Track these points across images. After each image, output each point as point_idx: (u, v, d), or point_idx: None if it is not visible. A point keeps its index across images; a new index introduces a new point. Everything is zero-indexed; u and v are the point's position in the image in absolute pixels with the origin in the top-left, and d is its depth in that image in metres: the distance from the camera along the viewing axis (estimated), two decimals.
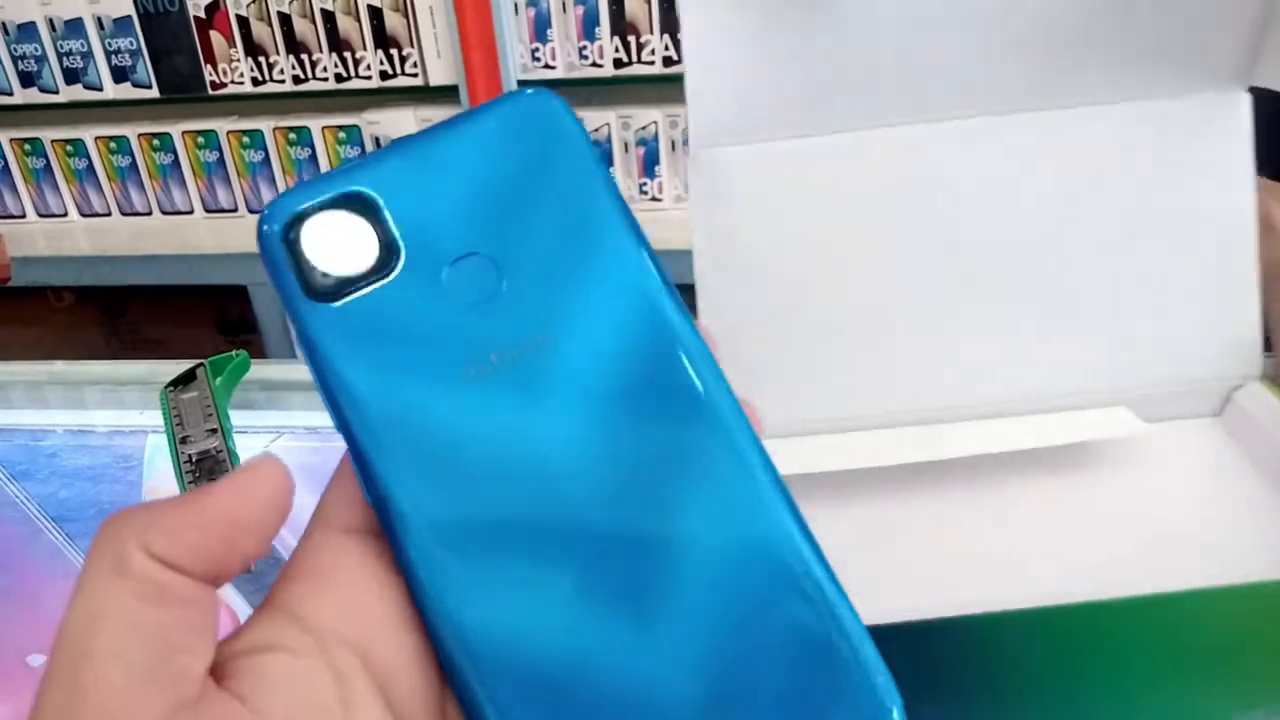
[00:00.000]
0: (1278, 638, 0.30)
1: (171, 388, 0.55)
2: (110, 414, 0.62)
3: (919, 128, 0.37)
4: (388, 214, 0.21)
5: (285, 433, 0.60)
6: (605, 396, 0.20)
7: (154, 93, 1.73)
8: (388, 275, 0.21)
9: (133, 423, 0.61)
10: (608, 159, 1.62)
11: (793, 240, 0.37)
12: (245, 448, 0.55)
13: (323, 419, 0.62)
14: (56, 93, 1.76)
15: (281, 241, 0.20)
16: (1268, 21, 0.35)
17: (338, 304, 0.20)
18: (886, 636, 0.26)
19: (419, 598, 0.20)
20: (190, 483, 0.49)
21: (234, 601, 0.61)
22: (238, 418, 0.57)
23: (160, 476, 0.60)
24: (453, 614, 0.19)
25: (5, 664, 0.68)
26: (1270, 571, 0.30)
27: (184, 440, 0.51)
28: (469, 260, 0.21)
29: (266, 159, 1.74)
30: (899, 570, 0.34)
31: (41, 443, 0.62)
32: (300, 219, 0.21)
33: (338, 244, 0.20)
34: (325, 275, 0.20)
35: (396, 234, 0.21)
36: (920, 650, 0.28)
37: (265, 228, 0.21)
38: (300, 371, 0.66)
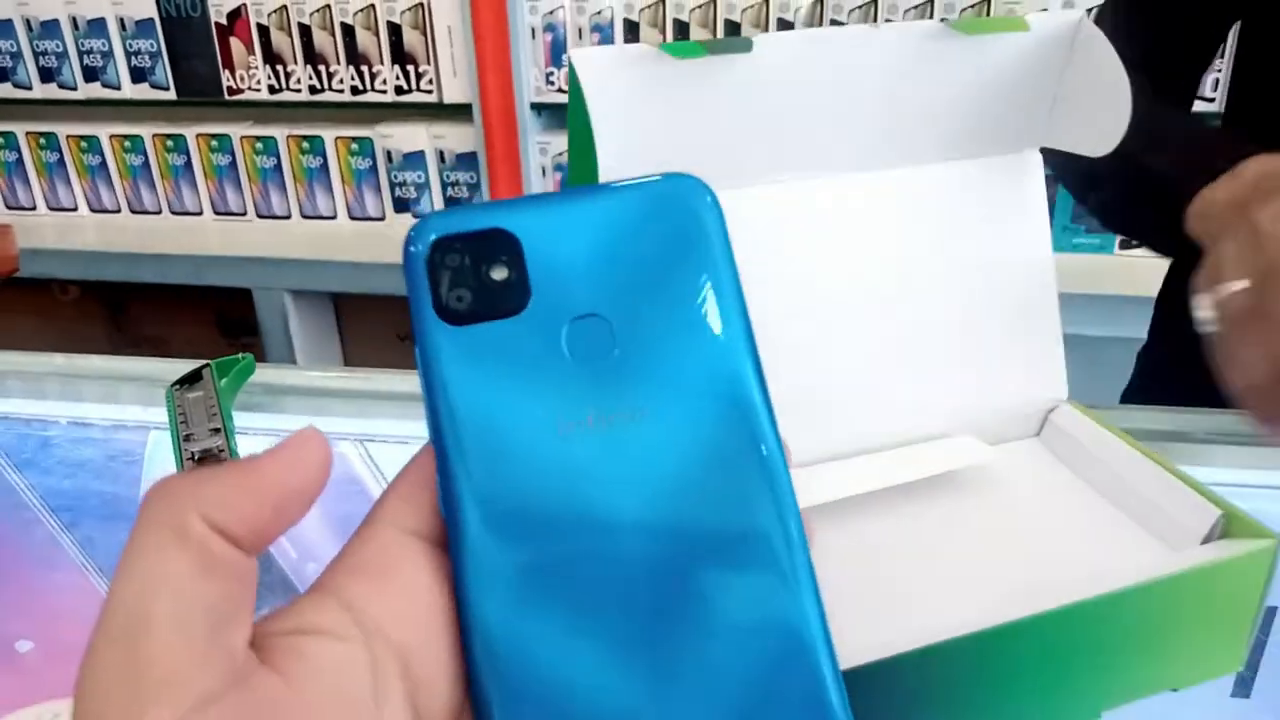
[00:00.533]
0: (1130, 639, 0.34)
1: (177, 386, 0.57)
2: (113, 409, 0.63)
3: (783, 186, 0.40)
4: (526, 257, 0.22)
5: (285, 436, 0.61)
6: (679, 481, 0.21)
7: (171, 95, 1.75)
8: (513, 313, 0.22)
9: (135, 418, 0.62)
10: None
11: None
12: (247, 449, 0.57)
13: (323, 426, 0.63)
14: (75, 89, 1.78)
15: (424, 259, 0.22)
16: (1057, 97, 0.41)
17: (461, 328, 0.22)
18: None
19: (464, 617, 0.21)
20: None
21: None
22: (240, 419, 0.59)
23: (160, 473, 0.61)
24: (492, 643, 0.21)
25: None
26: (1115, 577, 0.33)
27: (188, 438, 0.52)
28: (590, 320, 0.22)
29: (278, 165, 1.76)
30: None
31: (44, 433, 0.64)
32: (446, 242, 0.22)
33: (475, 273, 0.22)
34: (458, 299, 0.22)
35: (530, 278, 0.22)
36: None
37: (412, 248, 0.22)
38: (301, 377, 0.68)
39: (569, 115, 0.36)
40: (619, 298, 0.22)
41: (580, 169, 0.37)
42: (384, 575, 0.21)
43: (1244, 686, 0.57)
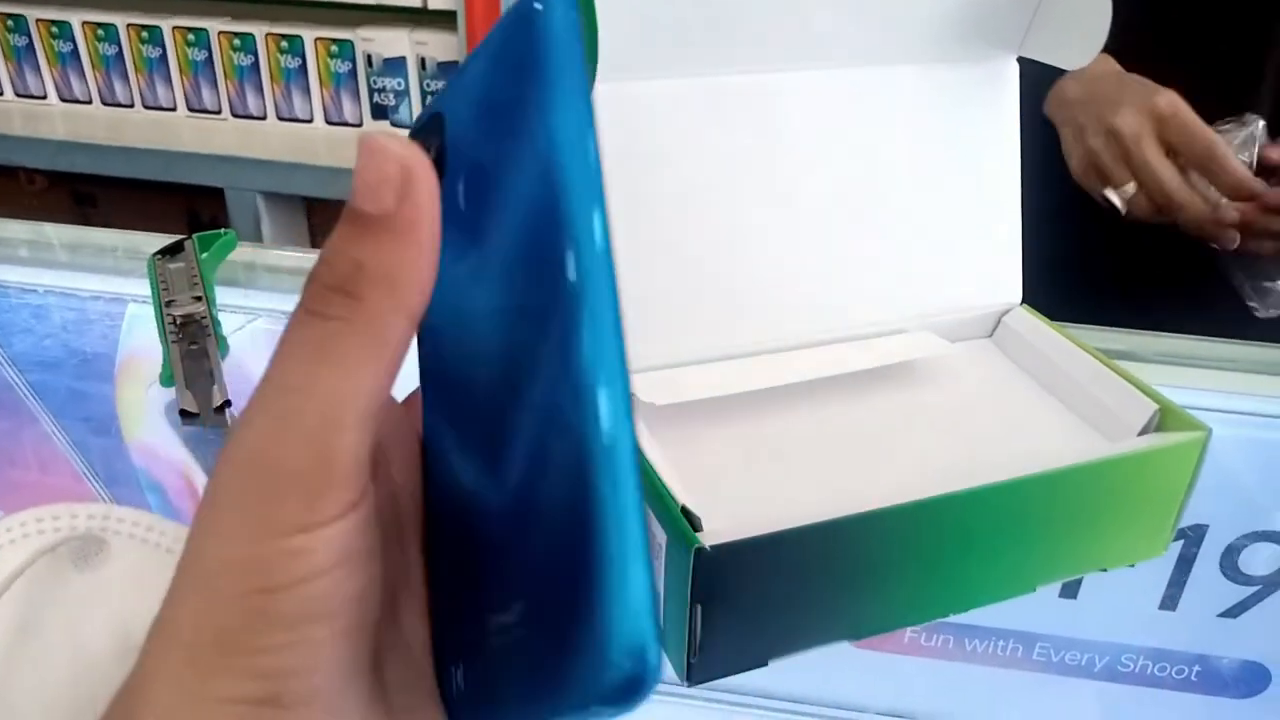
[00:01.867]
0: (1067, 517, 0.36)
1: (159, 256, 0.57)
2: (93, 279, 0.64)
3: (768, 77, 0.41)
4: (446, 128, 0.23)
5: (261, 315, 0.62)
6: (510, 311, 0.22)
7: None
8: (442, 181, 0.22)
9: (114, 290, 0.63)
10: None
11: (654, 180, 0.40)
12: (225, 324, 0.58)
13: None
14: None
15: None
16: (1040, 5, 0.42)
17: None
18: (761, 545, 0.31)
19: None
20: (174, 343, 0.51)
21: (187, 461, 0.63)
22: (221, 295, 0.60)
23: (138, 343, 0.62)
24: (427, 433, 0.24)
25: None
26: (1056, 460, 0.35)
27: (169, 304, 0.53)
28: (476, 171, 0.22)
29: (255, 64, 1.73)
30: (758, 484, 0.38)
31: (21, 299, 0.64)
32: (413, 134, 0.24)
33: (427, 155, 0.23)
34: None
35: (446, 146, 0.23)
36: (783, 555, 0.33)
37: None
38: (279, 259, 0.68)
39: None
40: (491, 143, 0.22)
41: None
42: None
43: (1171, 601, 0.61)
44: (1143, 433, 0.38)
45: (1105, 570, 0.39)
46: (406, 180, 0.19)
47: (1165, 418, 0.38)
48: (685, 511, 0.32)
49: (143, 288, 0.61)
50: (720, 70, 0.40)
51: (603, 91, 0.37)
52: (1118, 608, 0.61)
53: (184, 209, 1.98)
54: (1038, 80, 0.62)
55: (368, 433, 0.19)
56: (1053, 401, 0.42)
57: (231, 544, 0.19)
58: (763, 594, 0.32)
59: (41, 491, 0.70)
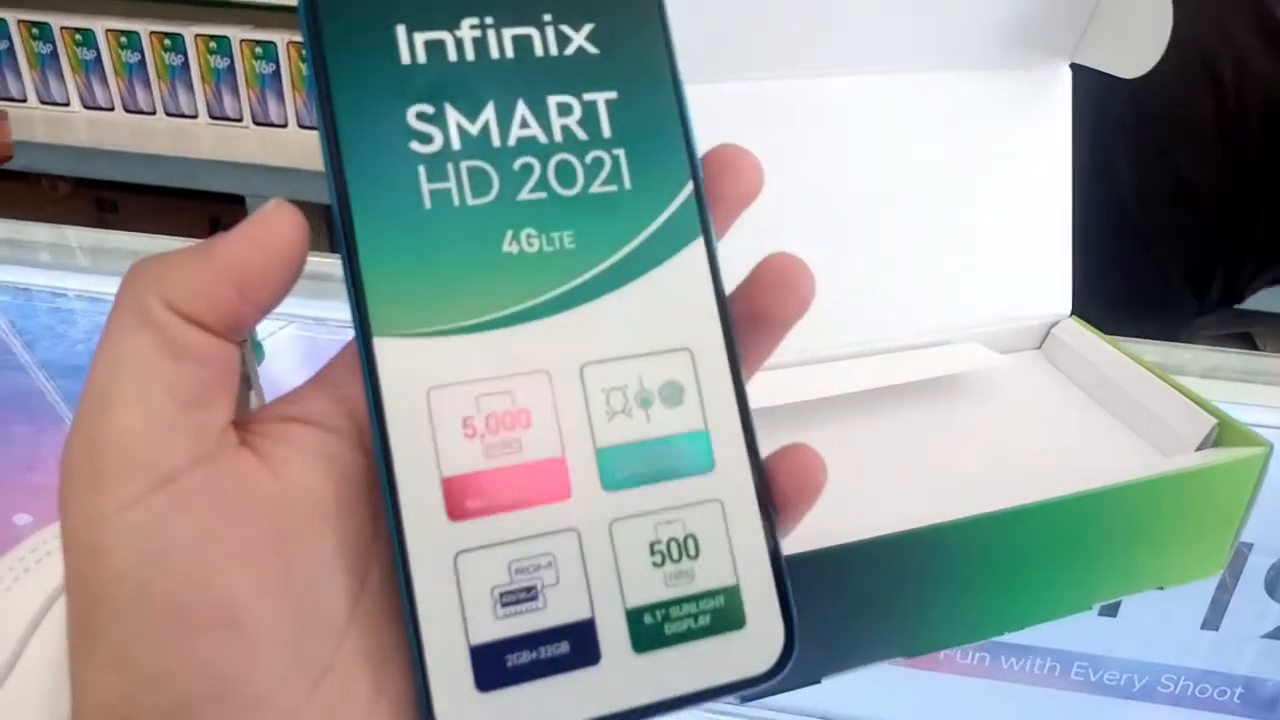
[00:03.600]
0: (1124, 535, 0.36)
1: None
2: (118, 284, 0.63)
3: (815, 82, 0.41)
4: None
5: (294, 321, 0.61)
6: None
7: None
8: None
9: None
10: None
11: None
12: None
13: (320, 312, 0.63)
14: None
15: None
16: (1095, 9, 0.41)
17: None
18: (815, 561, 0.30)
19: None
20: None
21: None
22: None
23: None
24: None
25: None
26: (1112, 477, 0.34)
27: None
28: None
29: (277, 71, 1.74)
30: None
31: (52, 304, 0.64)
32: None
33: None
34: None
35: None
36: (826, 574, 0.31)
37: None
38: (310, 265, 0.68)
39: None
40: None
41: None
42: None
43: (1213, 621, 0.60)
44: (1200, 448, 0.37)
45: (1162, 589, 0.38)
46: (284, 240, 0.21)
47: (1224, 433, 0.37)
48: None
49: None
50: (767, 75, 0.39)
51: None
52: (1158, 627, 0.60)
53: (205, 216, 1.99)
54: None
55: (156, 410, 0.18)
56: (1105, 415, 0.41)
57: (65, 534, 0.18)
58: (816, 610, 0.32)
59: None
